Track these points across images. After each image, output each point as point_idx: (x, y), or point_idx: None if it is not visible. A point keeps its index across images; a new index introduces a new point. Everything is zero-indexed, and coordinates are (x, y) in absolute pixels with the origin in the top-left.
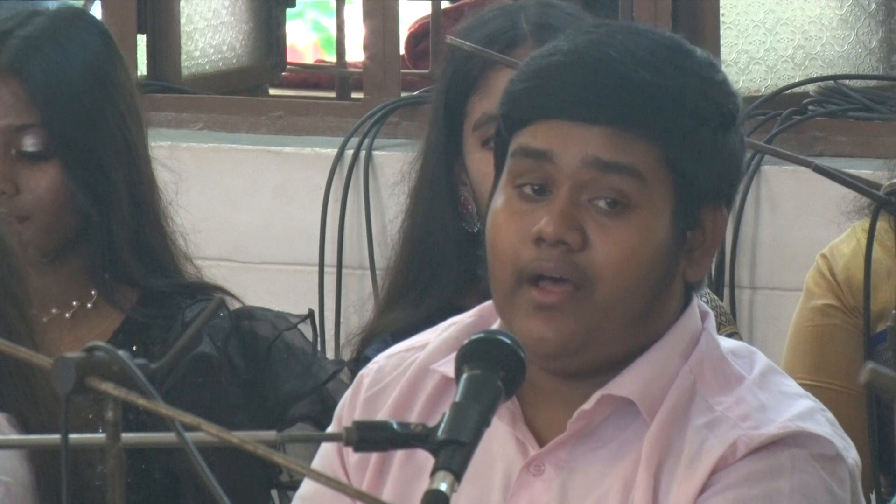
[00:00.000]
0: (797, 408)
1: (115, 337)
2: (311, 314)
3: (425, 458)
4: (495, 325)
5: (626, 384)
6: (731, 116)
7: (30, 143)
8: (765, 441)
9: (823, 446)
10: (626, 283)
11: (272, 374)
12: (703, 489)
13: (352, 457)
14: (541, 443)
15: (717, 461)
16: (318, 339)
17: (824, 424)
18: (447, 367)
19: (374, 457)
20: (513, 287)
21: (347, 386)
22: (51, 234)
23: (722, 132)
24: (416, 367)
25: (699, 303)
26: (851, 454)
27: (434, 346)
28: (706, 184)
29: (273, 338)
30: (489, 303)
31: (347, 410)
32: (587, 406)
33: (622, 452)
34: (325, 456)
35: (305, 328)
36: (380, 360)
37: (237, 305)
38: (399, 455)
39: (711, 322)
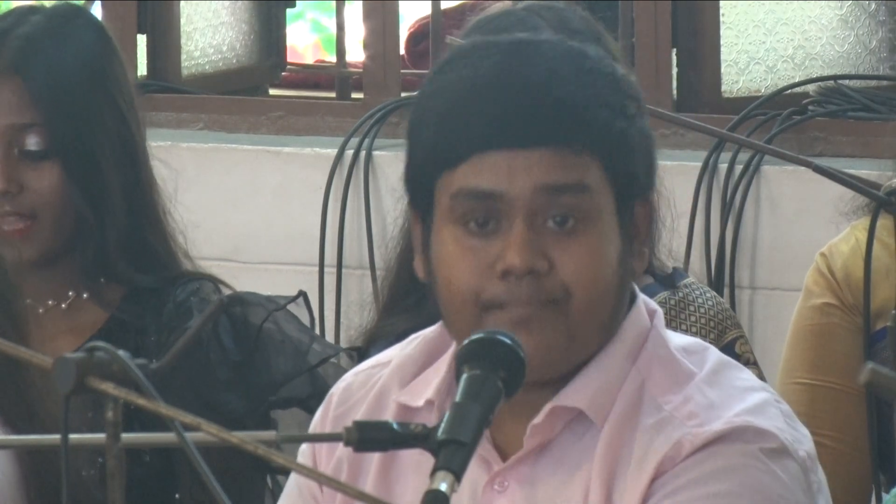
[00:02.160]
0: (748, 402)
1: (106, 326)
2: (301, 294)
3: (404, 467)
4: None
5: (575, 394)
6: (640, 101)
7: (32, 143)
8: (710, 438)
9: (770, 440)
10: (596, 294)
11: (263, 356)
12: (650, 489)
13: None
14: (504, 457)
15: (663, 459)
16: (313, 320)
17: (775, 418)
18: (406, 397)
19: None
20: (476, 318)
21: (344, 371)
22: (57, 232)
23: (639, 120)
24: (379, 388)
25: (646, 300)
26: (804, 447)
27: (396, 362)
28: (638, 178)
29: (263, 320)
30: None
31: (319, 427)
32: (538, 420)
33: (580, 462)
34: (300, 484)
35: (301, 312)
36: (348, 377)
37: (228, 292)
38: (368, 486)
39: (660, 319)
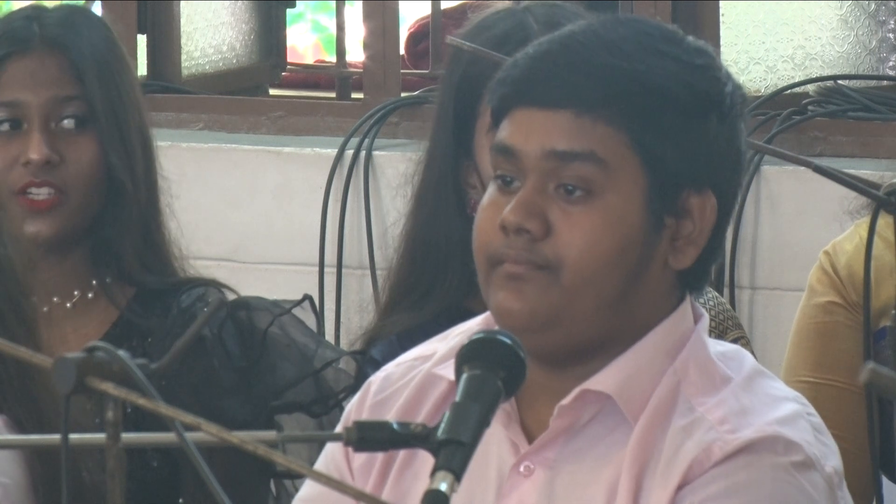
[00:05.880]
0: (780, 411)
1: (114, 328)
2: (306, 298)
3: (421, 466)
4: None
5: (605, 379)
6: (712, 101)
7: (72, 115)
8: (740, 445)
9: (800, 453)
10: (593, 268)
11: (268, 362)
12: (678, 495)
13: (357, 459)
14: (532, 441)
15: (692, 463)
16: (320, 324)
17: (805, 431)
18: (450, 370)
19: (378, 460)
20: (487, 271)
21: (348, 375)
22: (84, 211)
23: (699, 116)
24: (423, 375)
25: (695, 305)
26: (830, 462)
27: (441, 354)
28: (680, 167)
29: (268, 325)
30: None
31: (355, 414)
32: (566, 401)
33: (609, 455)
34: (332, 457)
35: (307, 316)
36: (388, 367)
37: (233, 297)
38: (398, 461)
39: (704, 324)
